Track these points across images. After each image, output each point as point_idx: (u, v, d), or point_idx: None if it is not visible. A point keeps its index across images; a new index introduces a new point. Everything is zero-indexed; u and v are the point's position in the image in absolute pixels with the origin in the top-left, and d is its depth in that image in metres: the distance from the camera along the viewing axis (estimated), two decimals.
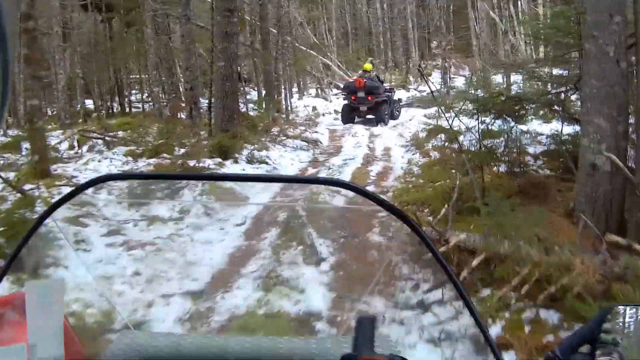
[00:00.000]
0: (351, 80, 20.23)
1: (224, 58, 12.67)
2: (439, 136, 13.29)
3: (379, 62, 31.18)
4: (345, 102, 18.98)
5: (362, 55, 34.16)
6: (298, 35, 28.82)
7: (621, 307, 1.28)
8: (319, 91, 27.26)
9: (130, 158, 11.41)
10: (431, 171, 9.97)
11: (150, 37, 21.39)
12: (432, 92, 9.76)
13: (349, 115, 18.68)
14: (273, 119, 17.24)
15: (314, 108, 22.27)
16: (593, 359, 1.22)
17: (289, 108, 21.24)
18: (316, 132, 15.99)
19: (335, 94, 26.70)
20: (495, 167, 8.99)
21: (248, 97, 22.13)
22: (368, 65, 20.21)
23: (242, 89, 22.37)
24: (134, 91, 26.83)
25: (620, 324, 1.25)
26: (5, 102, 0.61)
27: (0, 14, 0.55)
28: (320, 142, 14.32)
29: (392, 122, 18.22)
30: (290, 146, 13.06)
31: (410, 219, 1.19)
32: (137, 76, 26.16)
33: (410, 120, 18.04)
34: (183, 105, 17.74)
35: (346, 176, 10.15)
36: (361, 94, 18.12)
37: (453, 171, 9.17)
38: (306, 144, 13.65)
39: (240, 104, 19.85)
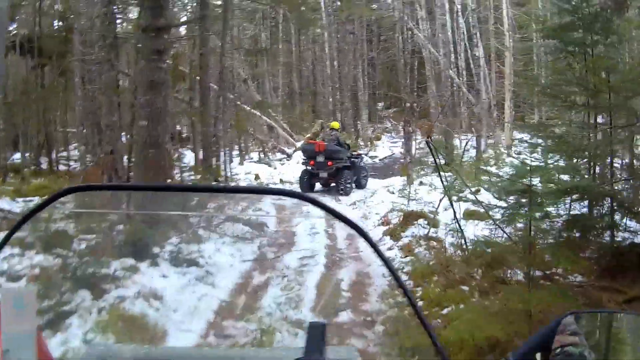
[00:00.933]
0: (310, 142, 18.21)
1: (146, 115, 9.72)
2: (418, 222, 10.66)
3: (328, 123, 28.63)
4: (304, 166, 16.96)
5: (307, 116, 31.61)
6: (241, 92, 26.07)
7: (574, 315, 1.27)
8: (262, 156, 24.42)
9: (17, 249, 8.16)
10: (430, 285, 7.12)
11: (78, 86, 19.68)
12: (440, 172, 7.01)
13: (308, 182, 16.70)
14: None
15: (257, 177, 19.38)
16: None
17: (229, 176, 18.35)
18: (260, 209, 13.07)
19: (280, 160, 23.94)
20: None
21: (185, 160, 19.54)
22: (335, 124, 18.32)
23: (174, 152, 19.67)
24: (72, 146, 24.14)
25: (574, 331, 1.24)
26: None
27: None
28: (267, 226, 11.36)
29: (354, 197, 15.62)
30: (230, 234, 10.03)
31: (364, 232, 1.20)
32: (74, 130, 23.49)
33: (372, 195, 15.28)
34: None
35: (310, 292, 7.11)
36: (320, 159, 16.18)
37: (465, 288, 6.45)
38: (249, 229, 10.64)
39: (172, 171, 17.20)
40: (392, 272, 1.24)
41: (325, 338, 1.17)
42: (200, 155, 18.17)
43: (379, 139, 33.01)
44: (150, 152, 9.71)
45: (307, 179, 16.66)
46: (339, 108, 31.43)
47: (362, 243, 10.00)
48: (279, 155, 24.50)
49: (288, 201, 14.64)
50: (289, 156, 23.46)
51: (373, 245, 1.20)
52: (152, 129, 9.69)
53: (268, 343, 5.47)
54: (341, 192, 16.09)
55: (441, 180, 9.94)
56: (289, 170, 21.12)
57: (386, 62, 36.96)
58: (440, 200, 10.81)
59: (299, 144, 23.26)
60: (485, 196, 10.19)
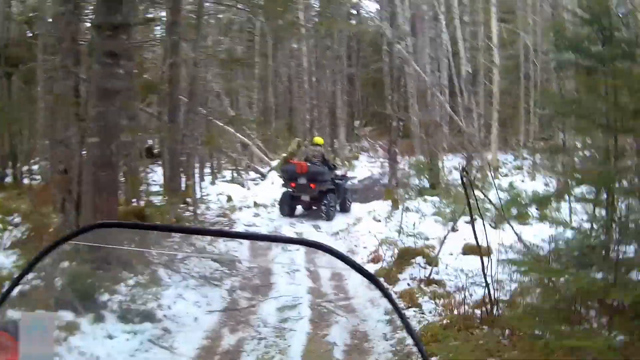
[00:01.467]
0: (292, 163, 16.64)
1: (98, 130, 8.14)
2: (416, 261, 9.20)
3: (306, 142, 27.09)
4: (285, 189, 15.71)
5: (283, 134, 30.10)
6: (214, 107, 24.44)
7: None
8: (235, 175, 22.81)
9: None
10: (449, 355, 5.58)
11: (40, 95, 18.23)
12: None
13: (289, 205, 15.51)
14: (176, 217, 12.73)
15: (229, 198, 17.78)
16: None
17: (199, 197, 16.77)
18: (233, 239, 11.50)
19: (254, 179, 22.36)
20: None
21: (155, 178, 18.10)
22: (319, 139, 16.75)
23: (142, 171, 18.07)
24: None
25: None
26: None
27: None
28: (239, 262, 9.78)
29: (336, 225, 14.15)
30: (195, 274, 8.44)
31: (380, 283, 1.20)
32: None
33: (356, 223, 13.77)
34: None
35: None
36: (302, 181, 14.80)
37: None
38: (219, 266, 9.06)
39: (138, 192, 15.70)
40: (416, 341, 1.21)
41: None
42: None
43: (356, 158, 31.63)
44: (101, 173, 8.11)
45: (288, 202, 15.41)
46: (316, 125, 29.97)
47: (350, 285, 8.56)
48: (252, 175, 22.91)
49: (262, 228, 13.25)
50: (263, 176, 21.90)
51: (392, 303, 1.19)
52: (104, 146, 8.10)
53: None
54: (324, 216, 14.80)
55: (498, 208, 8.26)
56: (263, 191, 19.58)
57: (366, 78, 35.64)
58: (445, 238, 9.31)
59: (274, 163, 21.73)
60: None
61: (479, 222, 11.21)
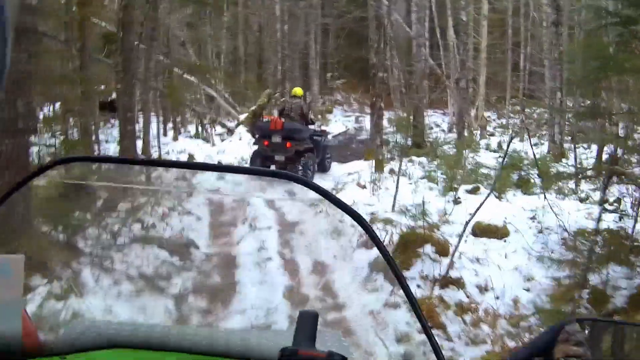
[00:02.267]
0: (265, 119, 15.11)
1: None
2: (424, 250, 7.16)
3: (277, 94, 24.74)
4: (256, 147, 13.81)
5: (253, 86, 27.65)
6: (178, 57, 21.90)
7: (576, 321, 1.21)
8: (200, 130, 20.48)
9: None
10: None
11: None
12: None
13: (261, 166, 12.97)
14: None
15: (191, 157, 15.55)
16: None
17: (156, 155, 14.57)
18: (189, 212, 9.42)
19: (220, 134, 20.07)
20: None
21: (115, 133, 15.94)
22: (299, 90, 14.72)
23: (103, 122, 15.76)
24: None
25: (578, 340, 1.18)
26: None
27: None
28: (196, 246, 7.66)
29: (314, 194, 11.86)
30: (136, 265, 6.29)
31: (363, 220, 1.15)
32: None
33: (336, 190, 11.66)
34: None
35: None
36: (277, 139, 12.95)
37: None
38: (168, 255, 6.91)
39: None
40: (400, 279, 1.13)
41: (316, 328, 1.12)
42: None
43: (330, 112, 29.48)
44: (5, 142, 5.86)
45: (259, 163, 13.29)
46: (288, 77, 27.61)
47: (340, 284, 6.51)
48: (219, 130, 20.61)
49: (227, 198, 11.16)
50: (230, 131, 19.61)
51: (374, 240, 1.12)
52: (10, 106, 5.84)
53: None
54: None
55: None
56: (231, 148, 17.39)
57: (342, 28, 33.14)
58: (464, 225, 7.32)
59: (242, 117, 19.45)
60: None
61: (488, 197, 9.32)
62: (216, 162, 15.14)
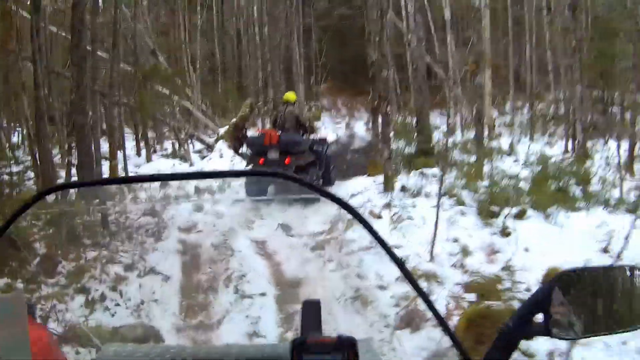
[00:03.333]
0: (258, 133, 12.94)
1: None
2: None
3: (260, 102, 22.15)
4: (251, 166, 11.90)
5: (232, 96, 25.01)
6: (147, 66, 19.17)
7: (570, 272, 1.23)
8: (177, 147, 17.82)
9: None
10: None
11: None
12: None
13: (257, 185, 11.27)
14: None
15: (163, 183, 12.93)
16: (548, 327, 1.16)
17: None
18: (153, 269, 6.88)
19: (199, 151, 17.46)
20: None
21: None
22: (291, 95, 12.86)
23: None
24: None
25: (571, 289, 1.20)
26: None
27: None
28: (158, 337, 5.06)
29: (316, 226, 9.30)
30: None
31: (352, 207, 1.14)
32: None
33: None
34: None
35: None
36: (273, 155, 11.12)
37: None
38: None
39: None
40: (400, 265, 1.13)
41: (320, 315, 1.13)
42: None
43: (318, 118, 26.84)
44: None
45: (255, 183, 11.15)
46: (270, 83, 25.01)
47: None
48: (198, 146, 17.98)
49: (207, 234, 8.66)
50: (210, 147, 17.00)
51: (366, 226, 1.10)
52: None
53: None
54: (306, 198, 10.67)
55: None
56: (211, 167, 14.82)
57: (326, 27, 30.55)
58: None
59: (221, 131, 16.86)
60: None
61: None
62: (191, 190, 12.64)
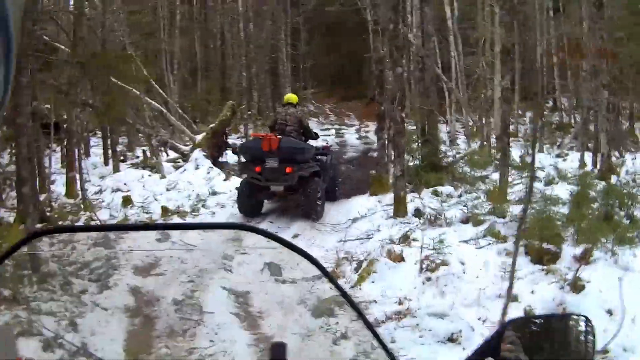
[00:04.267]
0: (253, 137, 11.87)
1: None
2: None
3: (243, 106, 19.80)
4: (245, 176, 10.11)
5: (213, 98, 22.71)
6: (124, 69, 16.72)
7: (519, 320, 1.38)
8: (148, 155, 15.44)
9: None
10: None
11: None
12: None
13: (252, 200, 9.98)
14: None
15: (127, 201, 10.66)
16: None
17: (71, 202, 9.86)
18: (99, 304, 4.72)
19: (175, 161, 15.14)
20: None
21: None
22: (293, 96, 10.75)
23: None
24: None
25: (519, 337, 1.21)
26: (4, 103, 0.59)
27: (7, 19, 0.55)
28: None
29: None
30: None
31: (314, 258, 1.16)
32: None
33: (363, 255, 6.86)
34: None
35: None
36: (272, 163, 9.48)
37: None
38: None
39: None
40: (353, 306, 1.20)
41: (286, 358, 1.13)
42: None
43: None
44: None
45: (249, 196, 9.84)
46: (255, 86, 22.73)
47: None
48: (171, 154, 15.63)
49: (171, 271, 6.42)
50: (184, 156, 14.69)
51: (327, 276, 1.16)
52: None
53: None
54: (311, 215, 9.46)
55: None
56: (185, 180, 12.55)
57: (317, 25, 28.32)
58: None
59: (198, 137, 14.59)
60: None
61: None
62: (161, 204, 10.36)
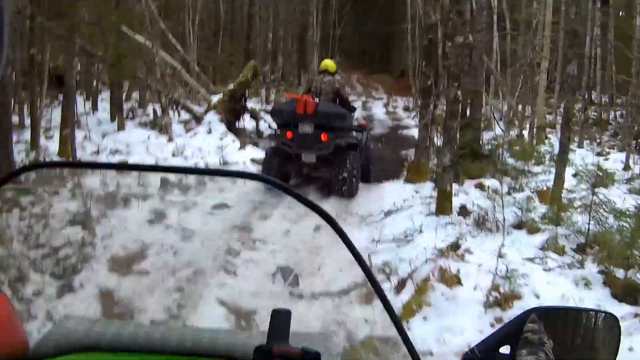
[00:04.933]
0: (288, 98, 9.95)
1: None
2: None
3: (266, 67, 18.18)
4: (273, 144, 8.94)
5: (238, 59, 21.09)
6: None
7: (542, 309, 1.16)
8: (160, 114, 13.86)
9: None
10: None
11: None
12: None
13: (280, 172, 8.54)
14: None
15: (123, 161, 9.09)
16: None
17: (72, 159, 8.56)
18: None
19: (185, 122, 13.62)
20: None
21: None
22: (330, 63, 9.30)
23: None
24: None
25: (542, 326, 1.12)
26: None
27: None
28: None
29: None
30: None
31: (325, 212, 1.00)
32: None
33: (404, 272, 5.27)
34: None
35: None
36: (306, 128, 8.26)
37: None
38: None
39: None
40: (368, 274, 1.01)
41: (289, 326, 1.04)
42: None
43: None
44: None
45: (277, 165, 8.58)
46: (281, 50, 21.05)
47: None
48: (183, 116, 14.08)
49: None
50: (197, 119, 13.12)
51: (339, 233, 0.98)
52: None
53: None
54: (343, 191, 8.24)
55: None
56: (195, 145, 11.09)
57: None
58: None
59: (214, 99, 13.03)
60: None
61: None
62: (161, 174, 8.87)
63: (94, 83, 16.72)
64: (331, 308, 4.62)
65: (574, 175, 10.27)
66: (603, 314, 1.18)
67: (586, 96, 21.49)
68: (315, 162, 8.43)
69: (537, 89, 14.78)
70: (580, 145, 15.40)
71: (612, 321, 1.19)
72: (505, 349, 1.10)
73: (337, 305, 4.66)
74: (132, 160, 9.85)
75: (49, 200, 6.77)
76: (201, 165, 9.78)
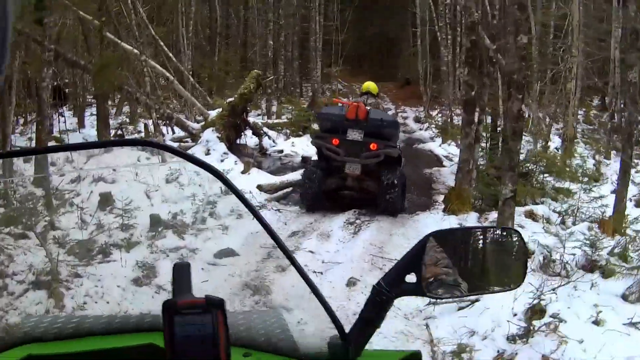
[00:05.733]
0: (340, 104, 9.11)
1: None
2: None
3: (270, 78, 16.68)
4: (319, 149, 8.38)
5: (234, 68, 19.65)
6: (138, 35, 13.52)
7: (439, 232, 1.23)
8: (151, 131, 12.31)
9: None
10: None
11: None
12: None
13: (319, 187, 8.01)
14: None
15: (105, 200, 7.60)
16: (421, 286, 1.14)
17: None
18: None
19: (180, 140, 12.12)
20: None
21: None
22: (372, 85, 9.03)
23: None
24: None
25: (436, 250, 1.19)
26: None
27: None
28: None
29: None
30: None
31: (219, 173, 1.07)
32: None
33: None
34: None
35: None
36: (355, 135, 7.85)
37: None
38: None
39: None
40: (271, 233, 1.12)
41: (190, 277, 1.06)
42: None
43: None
44: None
45: (318, 179, 7.97)
46: (281, 57, 19.53)
47: None
48: (178, 132, 12.56)
49: None
50: (193, 136, 11.58)
51: (233, 191, 1.08)
52: None
53: None
54: (393, 209, 7.80)
55: None
56: (193, 169, 9.46)
57: None
58: None
59: (213, 114, 11.52)
60: None
61: None
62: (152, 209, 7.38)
63: (80, 96, 15.23)
64: None
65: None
66: (501, 228, 1.46)
67: (607, 101, 20.07)
68: (358, 177, 7.88)
69: (568, 96, 13.29)
70: (607, 156, 13.97)
71: (516, 235, 1.28)
72: (411, 277, 1.10)
73: None
74: (118, 187, 8.31)
75: None
76: (198, 195, 8.21)
